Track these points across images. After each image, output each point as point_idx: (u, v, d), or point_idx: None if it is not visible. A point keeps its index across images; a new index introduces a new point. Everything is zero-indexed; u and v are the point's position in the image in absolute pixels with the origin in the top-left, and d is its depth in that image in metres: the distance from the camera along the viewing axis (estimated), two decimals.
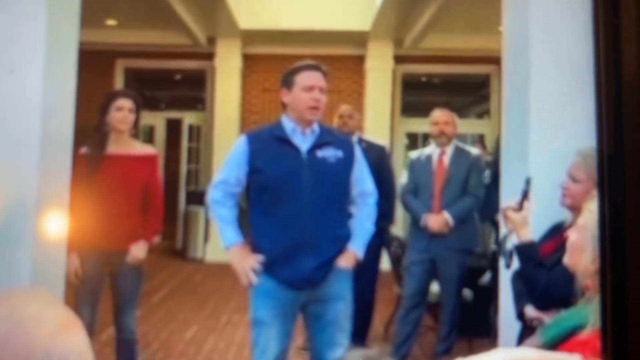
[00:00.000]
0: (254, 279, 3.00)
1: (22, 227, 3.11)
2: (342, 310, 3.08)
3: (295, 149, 3.03)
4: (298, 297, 3.03)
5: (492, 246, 5.81)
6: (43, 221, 3.17)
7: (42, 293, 0.85)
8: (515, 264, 2.45)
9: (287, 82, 3.09)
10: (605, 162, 0.69)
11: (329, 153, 3.04)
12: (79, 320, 0.84)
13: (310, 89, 3.03)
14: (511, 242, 2.45)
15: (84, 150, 3.73)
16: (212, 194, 3.18)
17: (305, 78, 3.05)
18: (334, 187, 3.05)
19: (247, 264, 3.02)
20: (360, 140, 4.90)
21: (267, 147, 3.07)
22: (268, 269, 3.01)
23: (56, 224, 3.27)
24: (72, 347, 0.80)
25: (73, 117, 3.56)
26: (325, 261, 3.01)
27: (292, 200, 2.97)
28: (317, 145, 3.05)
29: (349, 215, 3.17)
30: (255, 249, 3.05)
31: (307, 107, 3.01)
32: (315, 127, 3.10)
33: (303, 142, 3.05)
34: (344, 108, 5.16)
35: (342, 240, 3.09)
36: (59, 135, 3.45)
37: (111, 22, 9.45)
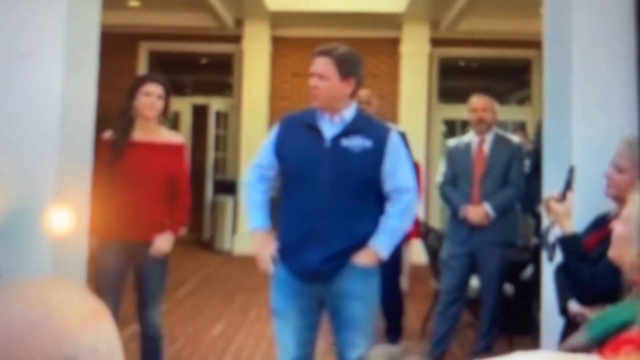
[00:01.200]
0: (271, 267, 3.03)
1: (41, 219, 3.07)
2: (359, 310, 2.98)
3: (319, 136, 2.98)
4: (311, 290, 2.97)
5: (534, 239, 5.66)
6: (62, 213, 3.13)
7: (70, 281, 0.86)
8: (559, 257, 2.43)
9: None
10: None
11: (356, 142, 2.95)
12: (107, 309, 0.84)
13: (310, 75, 3.02)
14: (554, 234, 2.44)
15: (108, 134, 3.66)
16: (249, 176, 3.22)
17: (311, 66, 3.04)
18: (355, 178, 2.94)
19: (266, 250, 3.05)
20: None
21: (294, 132, 3.07)
22: (283, 258, 3.02)
23: (75, 216, 3.23)
24: (100, 335, 0.80)
25: (95, 101, 3.56)
26: (333, 254, 2.91)
27: (308, 189, 2.95)
28: (345, 133, 2.97)
29: (376, 210, 3.02)
30: (278, 236, 3.09)
31: (310, 94, 3.02)
32: (348, 114, 3.01)
33: (330, 129, 2.99)
34: (362, 93, 4.94)
35: (358, 235, 2.96)
36: (80, 121, 3.45)
37: (134, 2, 9.37)
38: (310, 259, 2.90)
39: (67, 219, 3.06)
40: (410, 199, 3.05)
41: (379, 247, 2.99)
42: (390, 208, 3.03)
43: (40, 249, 3.10)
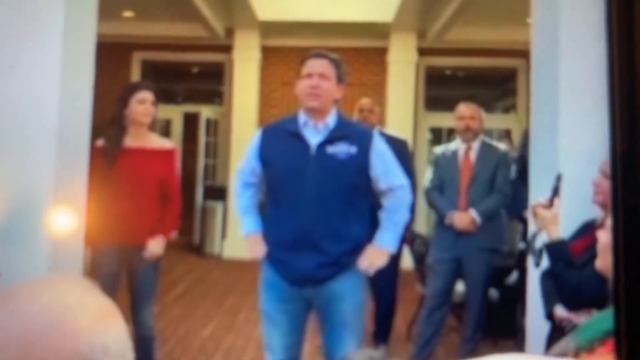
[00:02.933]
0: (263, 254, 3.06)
1: (38, 222, 3.10)
2: (350, 310, 3.01)
3: (304, 143, 2.98)
4: (300, 293, 2.99)
5: (519, 245, 5.70)
6: (59, 216, 3.16)
7: (81, 281, 0.86)
8: (545, 262, 2.44)
9: (298, 72, 3.08)
10: (618, 161, 0.65)
11: (341, 149, 2.96)
12: (117, 309, 0.84)
13: (308, 76, 3.00)
14: (541, 240, 2.46)
15: (100, 142, 3.69)
16: (235, 183, 3.27)
17: (307, 66, 3.03)
18: (342, 184, 2.95)
19: (257, 251, 3.07)
20: (381, 135, 4.77)
21: (278, 140, 3.07)
22: (272, 262, 3.03)
23: (73, 219, 3.26)
24: (114, 335, 0.80)
25: (91, 110, 3.56)
26: (328, 260, 2.93)
27: (296, 196, 2.95)
28: (329, 140, 2.97)
29: (365, 213, 3.06)
30: (266, 240, 3.10)
31: (305, 94, 2.99)
32: (331, 120, 3.02)
33: (314, 136, 2.99)
34: (365, 102, 5.02)
35: (350, 240, 2.98)
36: (76, 129, 3.45)
37: (128, 13, 9.42)
38: (303, 264, 2.92)
39: (64, 222, 3.10)
40: (404, 193, 3.09)
41: (386, 243, 3.04)
42: (386, 204, 3.08)
43: (37, 252, 3.10)
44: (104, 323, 0.80)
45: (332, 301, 2.98)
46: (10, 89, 3.21)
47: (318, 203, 2.91)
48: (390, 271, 4.39)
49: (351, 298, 3.01)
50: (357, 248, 3.00)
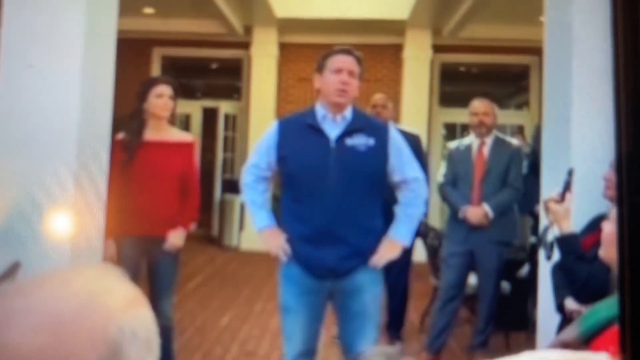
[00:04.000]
0: (284, 256, 3.01)
1: (59, 216, 3.13)
2: (370, 302, 3.02)
3: (324, 136, 2.97)
4: (323, 286, 2.99)
5: (531, 238, 5.74)
6: (80, 210, 3.19)
7: (109, 268, 0.86)
8: (556, 256, 2.44)
9: (319, 66, 3.06)
10: (624, 159, 0.67)
11: (360, 141, 2.96)
12: (144, 296, 0.85)
13: (338, 71, 2.98)
14: (552, 234, 2.44)
15: (120, 136, 3.75)
16: (245, 177, 3.20)
17: (335, 61, 3.00)
18: (363, 176, 2.96)
19: (278, 243, 3.03)
20: None
21: (296, 134, 3.05)
22: (294, 255, 3.00)
23: (92, 214, 3.31)
24: (141, 321, 0.81)
25: (111, 111, 3.58)
26: (352, 252, 2.95)
27: (317, 189, 2.93)
28: (348, 132, 2.97)
29: (381, 206, 3.07)
30: (284, 234, 3.06)
31: (334, 90, 2.96)
32: (348, 113, 3.02)
33: (333, 129, 2.99)
34: (378, 97, 5.04)
35: (372, 232, 3.01)
36: (98, 124, 3.47)
37: (149, 10, 9.50)
38: (326, 257, 2.91)
39: (84, 218, 3.16)
40: (419, 186, 3.10)
41: (401, 236, 3.07)
42: (401, 197, 3.09)
43: (57, 246, 3.12)
44: (133, 309, 0.81)
45: (353, 293, 2.98)
46: (28, 90, 3.22)
47: (340, 195, 2.90)
48: (403, 263, 4.42)
49: (371, 289, 3.02)
50: (378, 240, 3.01)
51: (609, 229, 1.88)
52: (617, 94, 0.67)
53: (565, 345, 1.74)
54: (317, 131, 2.99)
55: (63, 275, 0.81)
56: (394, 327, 5.10)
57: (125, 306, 0.80)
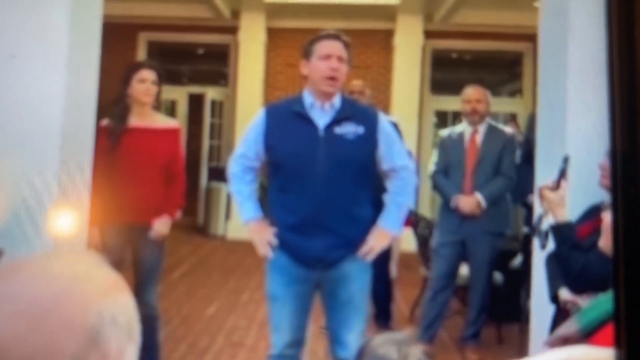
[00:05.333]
0: (270, 252, 2.99)
1: (44, 206, 3.08)
2: (356, 291, 3.01)
3: (312, 125, 2.93)
4: (311, 275, 2.97)
5: (524, 228, 5.71)
6: (64, 200, 3.15)
7: (88, 254, 0.90)
8: (551, 245, 2.43)
9: (306, 52, 2.99)
10: (618, 151, 0.66)
11: (349, 129, 2.92)
12: (125, 282, 0.85)
13: (327, 57, 2.91)
14: (547, 223, 2.44)
15: (105, 122, 3.70)
16: (232, 167, 3.18)
17: (323, 47, 2.94)
18: (352, 165, 2.93)
19: (264, 237, 3.00)
20: None
21: (284, 122, 3.01)
22: (282, 245, 2.98)
23: (75, 217, 3.19)
24: (121, 307, 0.81)
25: (96, 93, 3.53)
26: (341, 242, 2.93)
27: (306, 178, 2.90)
28: (337, 121, 2.93)
29: (370, 196, 3.04)
30: (272, 224, 3.03)
31: (323, 77, 2.90)
32: (336, 101, 2.98)
33: (321, 117, 2.95)
34: (355, 83, 4.93)
35: (362, 221, 2.99)
36: (82, 113, 3.42)
37: None
38: (315, 247, 2.90)
39: (67, 221, 3.03)
40: (408, 174, 3.08)
41: (390, 225, 3.04)
42: (390, 186, 3.07)
43: (41, 236, 3.03)
44: (113, 294, 0.80)
45: (341, 282, 2.97)
46: (10, 81, 3.16)
47: (329, 185, 2.87)
48: (385, 251, 4.42)
49: (359, 279, 3.01)
50: (367, 229, 2.99)
51: (610, 218, 1.78)
52: (612, 83, 0.65)
53: (565, 340, 1.70)
54: (305, 119, 2.95)
55: (42, 261, 0.81)
56: (383, 317, 5.06)
57: (105, 292, 0.79)
